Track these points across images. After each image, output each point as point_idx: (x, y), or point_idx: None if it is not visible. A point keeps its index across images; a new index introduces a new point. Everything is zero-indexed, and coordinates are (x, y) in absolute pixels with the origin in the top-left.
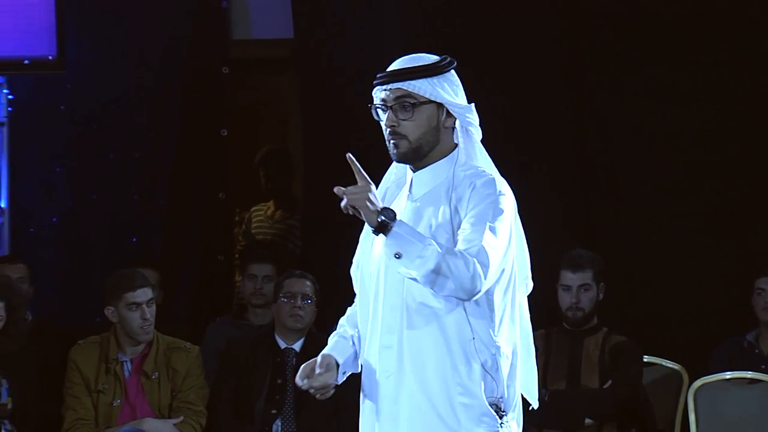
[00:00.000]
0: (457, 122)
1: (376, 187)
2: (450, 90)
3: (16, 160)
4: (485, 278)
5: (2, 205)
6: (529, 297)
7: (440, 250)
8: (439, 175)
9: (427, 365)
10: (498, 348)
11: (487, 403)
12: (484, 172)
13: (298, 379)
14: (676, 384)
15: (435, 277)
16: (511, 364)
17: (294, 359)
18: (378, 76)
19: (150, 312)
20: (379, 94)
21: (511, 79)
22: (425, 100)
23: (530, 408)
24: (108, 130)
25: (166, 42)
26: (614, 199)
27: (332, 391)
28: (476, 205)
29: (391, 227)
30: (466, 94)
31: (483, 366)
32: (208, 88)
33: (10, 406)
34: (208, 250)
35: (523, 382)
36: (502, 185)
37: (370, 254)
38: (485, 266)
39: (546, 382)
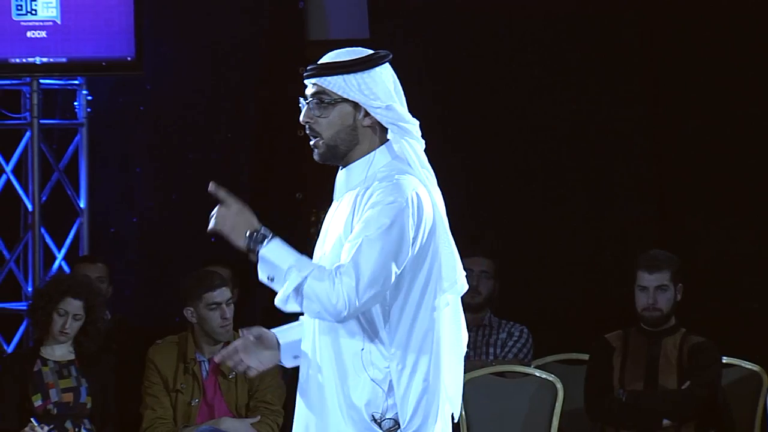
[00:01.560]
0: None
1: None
2: (368, 88)
3: (96, 161)
4: (356, 297)
5: (82, 206)
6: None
7: (304, 274)
8: (355, 177)
9: (325, 373)
10: (393, 360)
11: (366, 416)
12: (393, 176)
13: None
14: (756, 385)
15: (297, 298)
16: (411, 377)
17: None
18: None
19: (229, 311)
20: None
21: (584, 80)
22: (338, 97)
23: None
24: (186, 130)
25: (243, 43)
26: (692, 199)
27: (253, 370)
28: (363, 214)
29: (258, 251)
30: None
31: (373, 379)
32: (284, 88)
33: (89, 405)
34: None
35: (451, 391)
36: (404, 191)
37: None
38: (351, 286)
39: (623, 382)
